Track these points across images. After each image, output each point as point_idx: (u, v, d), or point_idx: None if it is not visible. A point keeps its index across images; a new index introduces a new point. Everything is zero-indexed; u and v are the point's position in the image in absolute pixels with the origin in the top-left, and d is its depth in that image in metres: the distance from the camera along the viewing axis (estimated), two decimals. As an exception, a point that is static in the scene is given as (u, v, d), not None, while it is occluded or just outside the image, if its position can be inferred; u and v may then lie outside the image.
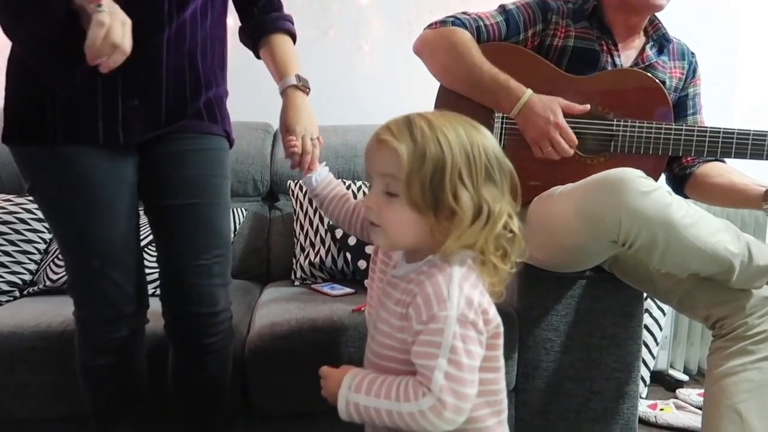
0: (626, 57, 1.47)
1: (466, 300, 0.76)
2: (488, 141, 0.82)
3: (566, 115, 1.32)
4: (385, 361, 0.82)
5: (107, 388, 1.17)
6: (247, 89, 2.19)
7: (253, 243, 1.94)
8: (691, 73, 1.52)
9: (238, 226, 1.88)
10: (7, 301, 1.60)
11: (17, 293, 1.63)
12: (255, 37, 1.27)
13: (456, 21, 1.43)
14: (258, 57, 1.30)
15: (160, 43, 1.07)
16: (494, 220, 0.79)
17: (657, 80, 1.40)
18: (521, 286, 1.46)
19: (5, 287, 1.61)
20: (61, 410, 1.33)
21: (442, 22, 1.44)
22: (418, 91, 2.07)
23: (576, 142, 1.31)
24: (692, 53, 1.53)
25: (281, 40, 1.26)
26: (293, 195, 1.92)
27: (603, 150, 1.39)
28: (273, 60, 1.25)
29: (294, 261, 1.83)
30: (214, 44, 1.17)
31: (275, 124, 2.12)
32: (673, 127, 1.36)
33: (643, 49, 1.48)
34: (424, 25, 1.48)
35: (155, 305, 1.19)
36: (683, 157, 1.46)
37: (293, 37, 1.29)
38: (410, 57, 1.50)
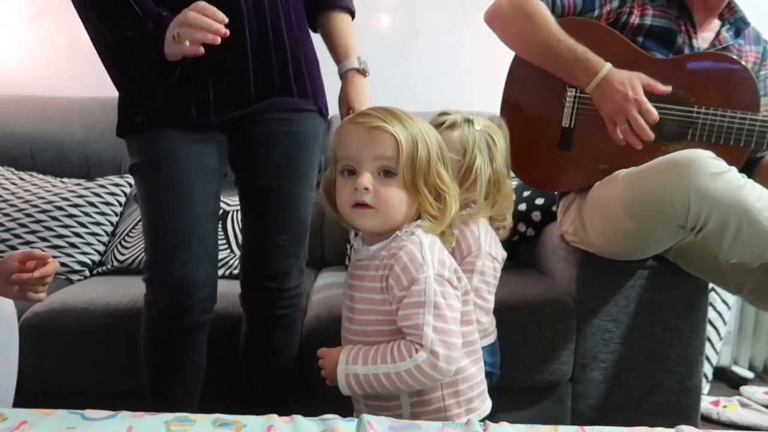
0: (703, 39, 1.41)
1: (439, 261, 0.85)
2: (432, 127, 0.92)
3: (647, 94, 1.26)
4: (372, 336, 0.88)
5: (166, 373, 1.19)
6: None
7: (309, 229, 1.96)
8: (765, 57, 1.45)
9: (293, 212, 1.91)
10: (78, 280, 1.68)
11: (87, 272, 1.71)
12: (313, 12, 1.25)
13: None
14: (314, 30, 1.28)
15: (241, 19, 1.08)
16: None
17: (747, 67, 1.32)
18: (579, 276, 1.43)
19: (77, 267, 1.69)
20: (128, 384, 1.38)
21: None
22: (473, 77, 2.06)
23: (657, 119, 1.24)
24: (765, 40, 1.46)
25: (341, 19, 1.25)
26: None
27: (680, 137, 1.32)
28: (333, 40, 1.24)
29: (348, 246, 1.85)
30: (297, 15, 1.17)
31: (329, 112, 2.17)
32: (759, 118, 1.26)
33: (719, 32, 1.42)
34: (479, 10, 1.45)
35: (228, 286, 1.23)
36: None
37: (352, 14, 1.28)
38: (465, 43, 1.49)
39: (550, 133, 1.40)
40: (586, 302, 1.42)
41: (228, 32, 0.96)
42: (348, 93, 1.21)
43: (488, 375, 1.06)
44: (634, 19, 1.37)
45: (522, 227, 1.77)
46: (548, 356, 1.41)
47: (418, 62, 2.22)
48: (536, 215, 1.77)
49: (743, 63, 1.33)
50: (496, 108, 1.48)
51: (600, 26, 1.38)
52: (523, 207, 1.76)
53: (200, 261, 1.12)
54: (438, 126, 1.06)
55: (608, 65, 1.27)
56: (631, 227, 1.23)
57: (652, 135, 1.25)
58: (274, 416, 0.75)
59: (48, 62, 2.06)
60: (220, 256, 1.35)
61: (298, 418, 0.74)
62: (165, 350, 1.17)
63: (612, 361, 1.44)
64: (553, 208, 1.64)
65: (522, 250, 1.80)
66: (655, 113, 1.24)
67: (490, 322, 1.15)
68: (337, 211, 0.93)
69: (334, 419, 0.75)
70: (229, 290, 1.26)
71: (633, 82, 1.25)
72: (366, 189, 0.85)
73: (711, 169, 1.07)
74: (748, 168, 1.43)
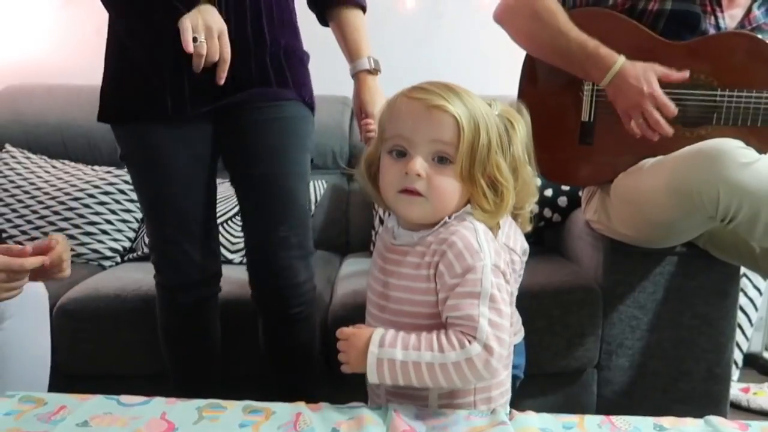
0: (731, 18, 1.35)
1: (495, 250, 0.78)
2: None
3: (663, 84, 1.23)
4: (406, 328, 0.78)
5: (182, 350, 1.25)
6: (324, 62, 2.22)
7: (333, 215, 1.97)
8: None
9: (318, 198, 1.92)
10: (110, 266, 1.72)
11: (119, 259, 1.75)
12: (322, 7, 1.24)
13: None
14: (324, 24, 1.27)
15: (218, 9, 1.06)
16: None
17: None
18: (606, 262, 1.42)
19: (108, 253, 1.73)
20: (157, 367, 1.42)
21: None
22: (500, 59, 2.02)
23: (675, 113, 1.21)
24: None
25: (352, 15, 1.22)
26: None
27: (704, 122, 1.29)
28: (343, 38, 1.23)
29: (373, 233, 1.85)
30: (280, 4, 1.15)
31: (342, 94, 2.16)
32: None
33: (749, 9, 1.35)
34: (502, -8, 1.42)
35: (241, 274, 1.24)
36: None
37: (363, 9, 1.25)
38: (491, 24, 1.46)
39: (569, 127, 1.36)
40: (612, 288, 1.41)
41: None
42: (360, 96, 1.19)
43: (513, 377, 1.06)
44: (653, 5, 1.32)
45: (548, 213, 1.76)
46: (574, 342, 1.40)
47: (442, 44, 2.20)
48: (562, 200, 1.75)
49: (760, 37, 1.28)
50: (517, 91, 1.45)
51: (614, 15, 1.34)
52: (549, 192, 1.74)
53: (200, 242, 1.16)
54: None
55: (621, 59, 1.23)
56: (658, 218, 1.21)
57: (669, 130, 1.21)
58: (302, 404, 0.76)
59: (78, 50, 2.08)
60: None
61: (326, 405, 0.76)
62: (178, 325, 1.22)
63: (639, 348, 1.43)
64: (579, 193, 1.62)
65: (548, 235, 1.79)
66: (672, 107, 1.21)
67: (515, 320, 1.10)
68: (377, 190, 0.84)
69: (361, 407, 0.76)
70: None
71: (648, 76, 1.21)
72: (418, 175, 0.76)
73: (740, 159, 1.04)
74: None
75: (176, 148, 1.12)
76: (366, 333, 0.77)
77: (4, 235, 1.70)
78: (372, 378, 0.75)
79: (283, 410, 0.75)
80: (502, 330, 0.74)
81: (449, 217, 0.80)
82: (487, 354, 0.73)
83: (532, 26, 1.33)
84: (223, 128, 1.15)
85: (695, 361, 1.44)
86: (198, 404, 0.76)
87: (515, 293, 1.07)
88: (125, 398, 0.78)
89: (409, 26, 2.17)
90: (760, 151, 1.10)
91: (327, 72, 2.10)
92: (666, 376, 1.44)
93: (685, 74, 1.24)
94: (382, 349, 0.75)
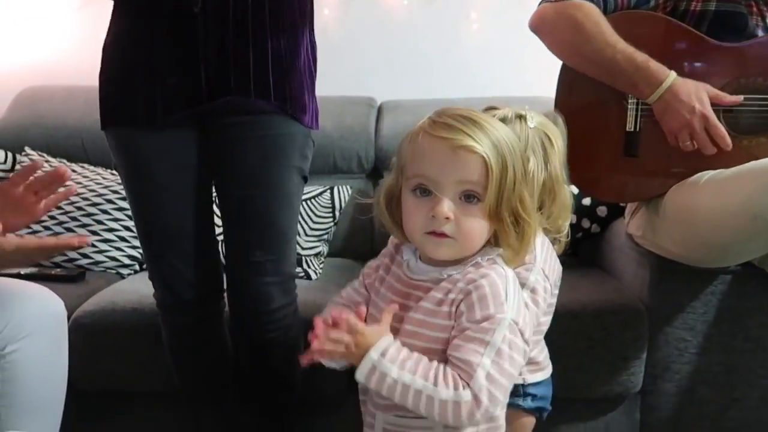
0: None
1: (518, 305, 0.76)
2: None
3: (714, 103, 1.14)
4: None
5: (186, 369, 1.20)
6: (350, 63, 2.16)
7: (358, 221, 1.90)
8: None
9: (342, 205, 1.85)
10: (129, 274, 1.67)
11: (137, 267, 1.70)
12: None
13: None
14: None
15: (194, 13, 1.00)
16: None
17: None
18: (653, 279, 1.32)
19: (127, 261, 1.68)
20: (175, 385, 1.37)
21: None
22: (529, 60, 1.93)
23: (725, 139, 1.14)
24: None
25: None
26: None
27: (763, 129, 1.19)
28: None
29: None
30: (279, 13, 1.06)
31: (379, 98, 2.09)
32: None
33: None
34: (536, -11, 1.33)
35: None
36: None
37: None
38: (521, 25, 1.37)
39: (612, 139, 1.26)
40: (659, 308, 1.32)
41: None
42: None
43: (538, 410, 0.98)
44: (696, 6, 1.23)
45: (586, 223, 1.66)
46: (616, 366, 1.31)
47: (473, 45, 2.12)
48: (602, 210, 1.65)
49: None
50: (553, 93, 1.36)
51: (658, 17, 1.25)
52: (587, 201, 1.65)
53: (190, 258, 1.11)
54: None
55: (673, 74, 1.15)
56: (714, 239, 1.11)
57: (713, 150, 1.15)
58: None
59: (97, 52, 2.00)
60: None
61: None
62: (177, 344, 1.19)
63: (687, 373, 1.33)
64: (621, 203, 1.52)
65: (584, 247, 1.69)
66: (722, 132, 1.13)
67: (544, 356, 1.02)
68: (397, 226, 0.81)
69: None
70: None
71: (700, 94, 1.13)
72: (447, 218, 0.74)
73: None
74: None
75: (158, 157, 1.07)
76: (372, 335, 0.74)
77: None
78: (360, 377, 0.74)
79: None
80: (498, 387, 0.72)
81: (481, 258, 0.77)
82: (474, 405, 0.71)
83: (575, 39, 1.23)
84: (209, 141, 1.10)
85: (748, 387, 1.34)
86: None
87: (546, 326, 0.99)
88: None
89: (438, 28, 2.09)
90: None
91: (353, 73, 2.05)
92: (716, 404, 1.35)
93: (738, 98, 1.16)
94: (382, 360, 0.73)
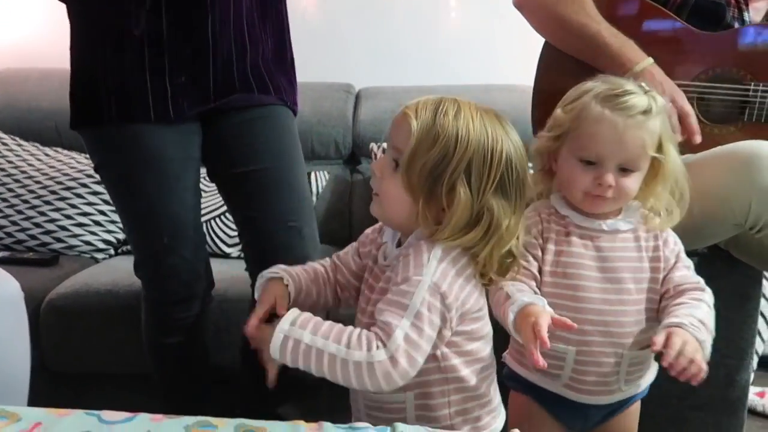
0: (755, 11, 1.28)
1: (443, 272, 0.75)
2: (516, 153, 0.78)
3: (691, 76, 1.16)
4: None
5: (175, 365, 1.20)
6: (329, 49, 2.15)
7: (335, 206, 1.91)
8: None
9: (320, 190, 1.85)
10: (103, 259, 1.66)
11: (112, 251, 1.69)
12: None
13: None
14: None
15: (204, 15, 1.04)
16: (501, 234, 0.77)
17: None
18: (622, 262, 1.35)
19: (101, 245, 1.67)
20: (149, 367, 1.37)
21: None
22: (509, 48, 1.96)
23: (697, 139, 1.14)
24: None
25: None
26: (375, 158, 1.86)
27: (734, 119, 1.22)
28: None
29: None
30: (261, 8, 1.12)
31: (357, 85, 2.10)
32: None
33: None
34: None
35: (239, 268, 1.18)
36: None
37: None
38: (499, 13, 1.39)
39: None
40: (628, 290, 1.34)
41: None
42: None
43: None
44: None
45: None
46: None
47: (451, 33, 2.13)
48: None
49: None
50: (531, 81, 1.37)
51: (641, 1, 1.26)
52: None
53: (199, 249, 1.13)
54: (626, 113, 0.86)
55: (649, 60, 1.16)
56: (684, 223, 1.14)
57: (680, 138, 1.14)
58: (301, 423, 0.70)
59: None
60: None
61: (327, 425, 0.70)
62: (170, 343, 1.16)
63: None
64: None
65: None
66: (695, 127, 1.13)
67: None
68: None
69: (365, 428, 0.70)
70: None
71: (671, 86, 1.14)
72: (373, 172, 0.82)
73: None
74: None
75: (173, 150, 1.08)
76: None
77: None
78: (274, 352, 0.74)
79: (279, 430, 0.69)
80: (417, 349, 0.73)
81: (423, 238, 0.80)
82: (390, 365, 0.72)
83: (557, 15, 1.25)
84: (212, 129, 1.11)
85: (714, 367, 1.34)
86: (186, 422, 0.70)
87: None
88: (107, 414, 0.71)
89: (416, 15, 2.10)
90: None
91: (331, 59, 2.04)
92: (682, 383, 1.38)
93: (698, 139, 1.14)
94: (293, 328, 0.74)
